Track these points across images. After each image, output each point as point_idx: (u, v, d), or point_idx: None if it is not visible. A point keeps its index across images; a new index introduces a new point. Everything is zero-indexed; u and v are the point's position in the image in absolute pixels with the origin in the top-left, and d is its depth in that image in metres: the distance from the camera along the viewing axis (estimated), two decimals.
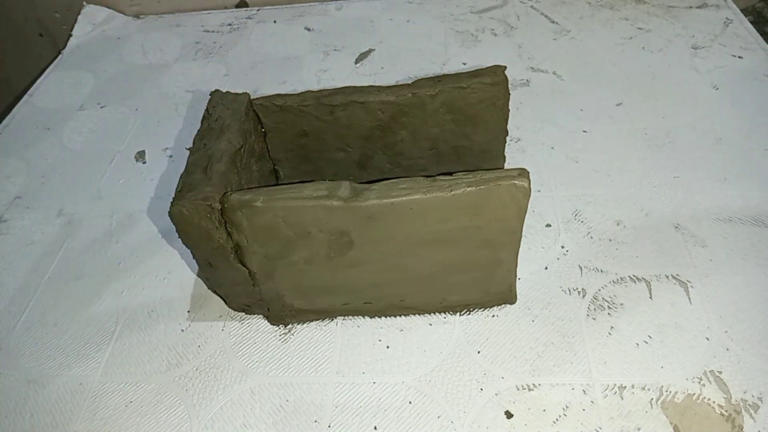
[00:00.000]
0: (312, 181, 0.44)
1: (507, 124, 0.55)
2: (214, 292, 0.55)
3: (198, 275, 0.58)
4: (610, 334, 0.49)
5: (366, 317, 0.53)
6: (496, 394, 0.47)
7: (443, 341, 0.50)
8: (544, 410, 0.45)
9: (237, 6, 1.00)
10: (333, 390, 0.48)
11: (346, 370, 0.49)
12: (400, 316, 0.52)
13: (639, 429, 0.44)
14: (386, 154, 0.57)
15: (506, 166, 0.60)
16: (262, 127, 0.55)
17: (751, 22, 0.82)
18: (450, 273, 0.48)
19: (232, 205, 0.43)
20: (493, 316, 0.52)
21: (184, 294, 0.57)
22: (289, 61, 0.85)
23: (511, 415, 0.45)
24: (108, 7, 1.00)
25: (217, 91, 0.54)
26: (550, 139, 0.68)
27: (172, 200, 0.43)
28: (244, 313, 0.54)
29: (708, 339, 0.48)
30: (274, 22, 0.94)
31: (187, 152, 0.49)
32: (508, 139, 0.57)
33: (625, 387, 0.46)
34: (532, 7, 0.90)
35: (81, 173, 0.72)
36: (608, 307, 0.51)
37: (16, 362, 0.53)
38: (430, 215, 0.43)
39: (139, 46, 0.93)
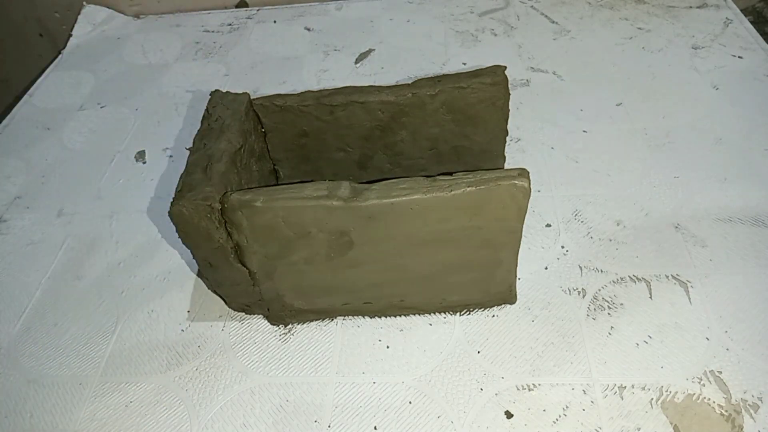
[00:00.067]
0: (312, 181, 0.44)
1: (507, 124, 0.55)
2: (214, 292, 0.55)
3: (198, 275, 0.58)
4: (610, 334, 0.49)
5: (366, 317, 0.53)
6: (496, 394, 0.47)
7: (443, 341, 0.50)
8: (544, 410, 0.45)
9: (237, 6, 1.00)
10: (333, 390, 0.48)
11: (346, 370, 0.49)
12: (400, 316, 0.52)
13: (639, 429, 0.44)
14: (386, 154, 0.57)
15: (506, 166, 0.60)
16: (262, 127, 0.55)
17: (751, 22, 0.82)
18: (450, 273, 0.48)
19: (232, 205, 0.43)
20: (493, 316, 0.52)
21: (184, 294, 0.57)
22: (289, 61, 0.85)
23: (511, 415, 0.45)
24: (108, 7, 1.00)
25: (217, 91, 0.54)
26: (550, 139, 0.68)
27: (172, 200, 0.43)
28: (244, 313, 0.54)
29: (708, 339, 0.48)
30: (274, 22, 0.94)
31: (187, 152, 0.49)
32: (508, 139, 0.57)
33: (625, 387, 0.46)
34: (532, 7, 0.90)
35: (81, 173, 0.72)
36: (608, 307, 0.51)
37: (16, 362, 0.53)
38: (430, 215, 0.43)
39: (139, 46, 0.93)
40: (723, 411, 0.44)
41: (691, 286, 0.52)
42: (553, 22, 0.87)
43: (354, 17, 0.93)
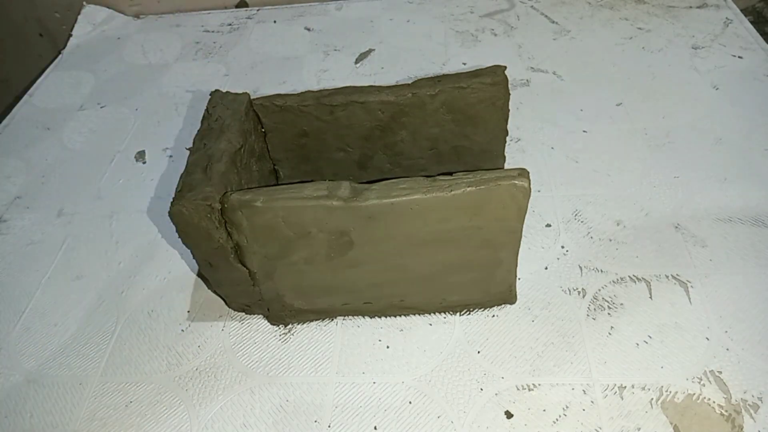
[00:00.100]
0: (312, 181, 0.44)
1: (507, 124, 0.55)
2: (214, 292, 0.55)
3: (198, 275, 0.58)
4: (610, 334, 0.49)
5: (366, 317, 0.53)
6: (496, 394, 0.47)
7: (443, 341, 0.50)
8: (544, 410, 0.45)
9: (237, 6, 1.00)
10: (333, 390, 0.48)
11: (346, 370, 0.49)
12: (400, 316, 0.52)
13: (639, 429, 0.44)
14: (386, 154, 0.57)
15: (506, 166, 0.60)
16: (262, 127, 0.55)
17: (751, 22, 0.82)
18: (450, 273, 0.48)
19: (232, 205, 0.43)
20: (493, 316, 0.52)
21: (184, 294, 0.57)
22: (289, 61, 0.85)
23: (511, 415, 0.45)
24: (108, 7, 1.00)
25: (217, 91, 0.54)
26: (550, 139, 0.68)
27: (172, 200, 0.43)
28: (244, 313, 0.54)
29: (708, 339, 0.48)
30: (274, 22, 0.94)
31: (187, 152, 0.49)
32: (508, 139, 0.57)
33: (625, 387, 0.46)
34: (532, 7, 0.90)
35: (81, 173, 0.72)
36: (608, 307, 0.51)
37: (16, 362, 0.53)
38: (430, 215, 0.43)
39: (139, 46, 0.93)
40: (723, 411, 0.44)
41: (691, 286, 0.52)
42: (553, 22, 0.87)
43: (354, 17, 0.93)
